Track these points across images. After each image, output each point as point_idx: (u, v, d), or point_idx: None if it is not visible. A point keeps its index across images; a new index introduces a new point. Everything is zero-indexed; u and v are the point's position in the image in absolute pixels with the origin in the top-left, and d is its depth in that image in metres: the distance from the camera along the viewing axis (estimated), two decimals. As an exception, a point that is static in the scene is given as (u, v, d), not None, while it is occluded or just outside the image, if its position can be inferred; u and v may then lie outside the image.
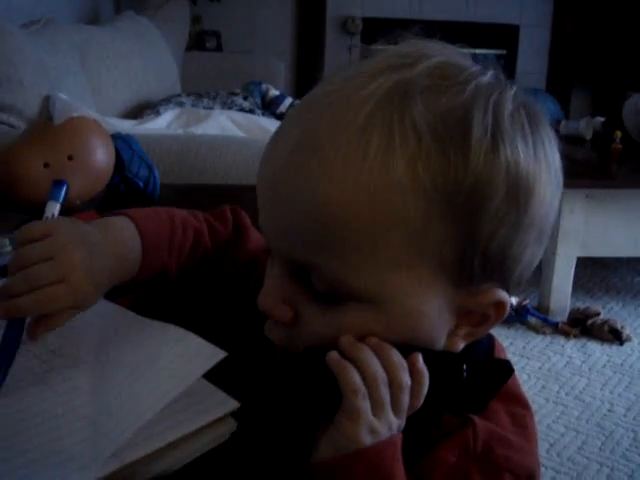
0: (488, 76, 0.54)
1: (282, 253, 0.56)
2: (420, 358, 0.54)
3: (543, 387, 2.16)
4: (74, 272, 0.59)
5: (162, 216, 0.71)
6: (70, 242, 0.61)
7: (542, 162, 0.53)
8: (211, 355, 0.56)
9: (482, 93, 0.52)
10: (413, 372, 0.54)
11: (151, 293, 0.74)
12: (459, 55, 0.56)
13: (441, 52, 0.55)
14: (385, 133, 0.49)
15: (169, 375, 0.56)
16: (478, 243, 0.51)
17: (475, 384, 0.56)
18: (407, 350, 0.54)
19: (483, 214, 0.51)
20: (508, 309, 0.56)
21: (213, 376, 0.59)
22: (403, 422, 0.54)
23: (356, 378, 0.52)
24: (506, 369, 0.58)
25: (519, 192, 0.52)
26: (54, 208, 0.78)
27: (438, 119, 0.50)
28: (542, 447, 1.83)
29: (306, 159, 0.51)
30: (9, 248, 0.93)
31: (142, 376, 0.57)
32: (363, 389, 0.52)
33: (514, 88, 0.54)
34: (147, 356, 0.60)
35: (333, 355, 0.53)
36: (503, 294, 0.55)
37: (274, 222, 0.55)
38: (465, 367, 0.55)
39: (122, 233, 0.66)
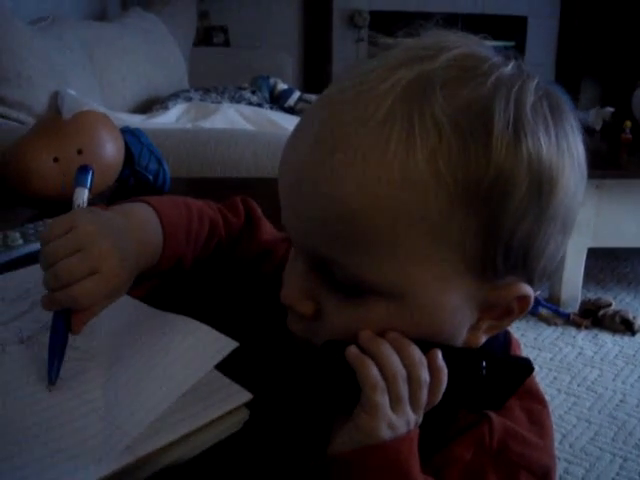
0: (510, 67, 0.53)
1: (305, 249, 0.55)
2: (439, 355, 0.54)
3: (555, 378, 2.16)
4: (106, 261, 0.58)
5: (180, 204, 0.71)
6: (96, 231, 0.59)
7: (565, 153, 0.52)
8: (224, 346, 0.56)
9: (504, 85, 0.51)
10: (432, 369, 0.53)
11: (165, 283, 0.74)
12: (480, 46, 0.55)
13: (462, 43, 0.54)
14: (405, 127, 0.49)
15: (182, 367, 0.56)
16: (501, 236, 0.51)
17: (494, 381, 0.56)
18: (427, 346, 0.54)
19: (506, 207, 0.50)
20: (531, 303, 0.55)
21: (227, 367, 0.59)
22: (420, 418, 0.54)
23: (375, 373, 0.52)
24: (526, 367, 0.57)
25: (542, 184, 0.51)
26: (83, 194, 0.76)
27: (459, 112, 0.49)
28: (555, 438, 1.82)
29: (326, 155, 0.51)
30: (20, 242, 0.93)
31: (155, 368, 0.58)
32: (382, 384, 0.52)
33: (536, 79, 0.54)
34: (160, 348, 0.60)
35: (352, 350, 0.53)
36: (527, 288, 0.55)
37: (296, 217, 0.55)
38: (484, 364, 0.55)
39: (144, 219, 0.66)
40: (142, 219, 0.66)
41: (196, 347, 0.58)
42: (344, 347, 0.53)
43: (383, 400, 0.52)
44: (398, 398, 0.52)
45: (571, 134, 0.54)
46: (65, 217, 0.62)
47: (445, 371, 0.54)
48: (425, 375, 0.53)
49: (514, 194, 0.50)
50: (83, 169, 0.76)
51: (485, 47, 0.55)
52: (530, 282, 0.55)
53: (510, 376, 0.57)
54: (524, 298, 0.55)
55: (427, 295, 0.53)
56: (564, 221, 0.54)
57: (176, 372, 0.56)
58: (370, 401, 0.52)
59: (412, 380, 0.53)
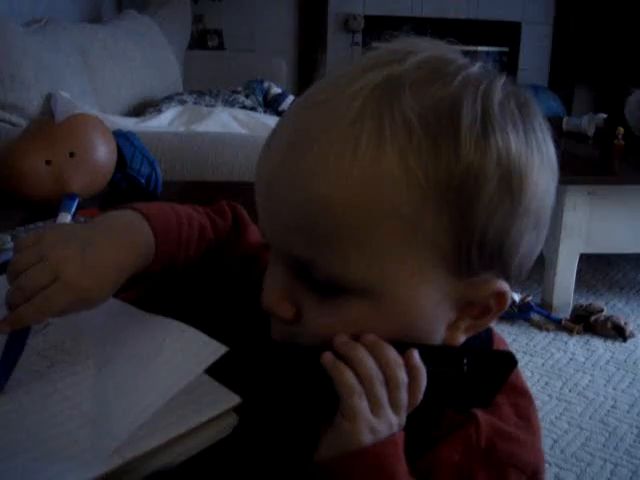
0: (476, 67, 0.54)
1: (281, 250, 0.56)
2: (416, 354, 0.54)
3: (546, 384, 2.16)
4: (65, 268, 0.57)
5: (166, 208, 0.71)
6: (58, 240, 0.59)
7: (534, 149, 0.53)
8: (213, 350, 0.56)
9: (471, 83, 0.52)
10: (409, 368, 0.53)
11: (154, 287, 0.73)
12: (448, 50, 0.56)
13: (430, 48, 0.55)
14: (375, 126, 0.50)
15: (170, 371, 0.56)
16: (473, 232, 0.51)
17: (478, 378, 0.56)
18: (404, 347, 0.54)
19: (477, 203, 0.51)
20: (509, 300, 0.56)
21: (215, 371, 0.59)
22: (404, 420, 0.54)
23: (351, 378, 0.52)
24: (508, 361, 0.57)
25: (512, 179, 0.51)
26: (65, 219, 0.76)
27: (427, 110, 0.50)
28: (546, 443, 1.83)
29: (300, 155, 0.52)
30: (11, 244, 0.93)
31: (143, 372, 0.57)
32: (359, 389, 0.52)
33: (503, 78, 0.55)
34: (149, 352, 0.59)
35: (327, 356, 0.53)
36: (503, 284, 0.55)
37: (272, 219, 0.55)
38: (465, 361, 0.55)
39: (127, 222, 0.65)
40: (124, 223, 0.65)
41: (185, 351, 0.58)
42: (319, 353, 0.53)
43: (361, 404, 0.52)
44: (377, 401, 0.52)
45: (539, 131, 0.55)
46: (32, 232, 0.62)
47: (423, 370, 0.54)
48: (402, 375, 0.53)
49: (484, 189, 0.50)
50: (71, 196, 0.76)
51: (452, 50, 0.57)
52: (506, 279, 0.56)
53: (494, 371, 0.57)
54: (501, 295, 0.55)
55: (403, 292, 0.53)
56: (537, 217, 0.55)
57: (165, 376, 0.56)
58: (348, 406, 0.52)
59: (389, 382, 0.53)
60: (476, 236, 0.52)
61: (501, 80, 0.54)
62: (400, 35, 0.57)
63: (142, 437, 0.52)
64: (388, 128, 0.50)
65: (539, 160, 0.53)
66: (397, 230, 0.50)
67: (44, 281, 0.57)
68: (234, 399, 0.57)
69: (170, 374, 0.56)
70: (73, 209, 0.75)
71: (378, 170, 0.49)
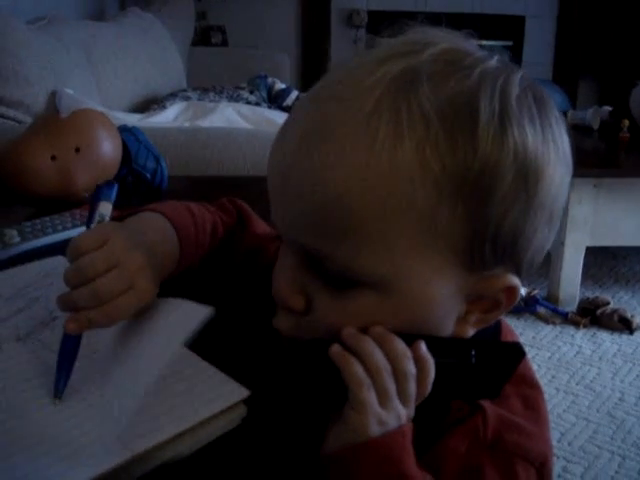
0: (494, 61, 0.54)
1: (294, 241, 0.56)
2: (423, 345, 0.54)
3: (553, 377, 2.16)
4: (141, 277, 0.57)
5: (184, 212, 0.70)
6: (128, 246, 0.57)
7: (550, 144, 0.53)
8: (200, 313, 0.55)
9: (488, 77, 0.52)
10: (417, 360, 0.53)
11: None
12: (465, 41, 0.56)
13: (447, 39, 0.55)
14: (393, 118, 0.49)
15: (162, 342, 0.56)
16: (488, 227, 0.51)
17: (486, 369, 0.56)
18: (412, 338, 0.54)
19: (492, 197, 0.50)
20: (519, 294, 0.56)
21: (223, 363, 0.59)
22: (412, 411, 0.54)
23: (359, 370, 0.52)
24: (517, 352, 0.57)
25: (528, 174, 0.51)
26: (107, 209, 0.74)
27: (445, 104, 0.50)
28: (553, 436, 1.82)
29: (315, 145, 0.51)
30: (17, 239, 0.93)
31: (141, 356, 0.58)
32: (367, 381, 0.52)
33: (520, 72, 0.54)
34: (146, 336, 0.60)
35: (335, 348, 0.53)
36: (514, 279, 0.55)
37: (285, 211, 0.55)
38: (474, 352, 0.55)
39: (163, 231, 0.65)
40: (161, 232, 0.65)
41: (173, 320, 0.58)
42: (328, 346, 0.53)
43: (370, 396, 0.52)
44: (385, 393, 0.52)
45: (555, 125, 0.54)
46: (95, 231, 0.60)
47: (431, 361, 0.54)
48: (410, 367, 0.53)
49: (500, 184, 0.50)
50: (109, 184, 0.74)
51: (469, 43, 0.56)
52: (517, 273, 0.55)
53: (502, 362, 0.56)
54: (512, 289, 0.55)
55: (415, 286, 0.53)
56: (551, 212, 0.55)
57: (156, 349, 0.56)
58: (357, 398, 0.52)
59: (397, 373, 0.53)
60: (490, 231, 0.51)
61: (518, 74, 0.54)
62: (415, 25, 0.57)
63: (151, 430, 0.52)
64: (405, 121, 0.49)
65: (555, 155, 0.53)
66: (412, 223, 0.50)
67: (121, 288, 0.55)
68: (243, 392, 0.57)
69: (162, 344, 0.56)
70: (113, 197, 0.73)
71: (394, 163, 0.49)
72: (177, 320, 0.57)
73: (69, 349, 0.58)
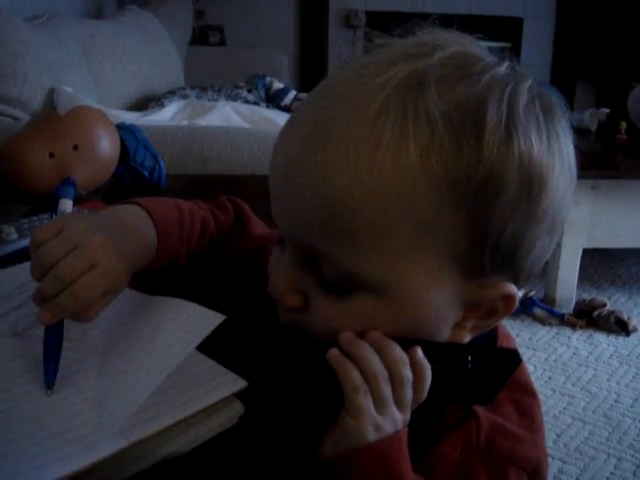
0: (504, 67, 0.53)
1: (293, 240, 0.55)
2: (420, 351, 0.53)
3: (549, 378, 2.16)
4: (103, 253, 0.57)
5: (169, 204, 0.70)
6: (86, 228, 0.58)
7: (556, 155, 0.52)
8: (210, 320, 0.56)
9: (497, 84, 0.51)
10: (413, 365, 0.53)
11: (158, 282, 0.73)
12: (475, 46, 0.55)
13: (457, 42, 0.54)
14: (399, 122, 0.49)
15: (170, 345, 0.56)
16: (489, 235, 0.51)
17: (481, 375, 0.56)
18: (409, 344, 0.54)
19: (495, 206, 0.50)
20: (517, 303, 0.55)
21: (221, 360, 0.59)
22: (408, 416, 0.54)
23: (356, 375, 0.52)
24: (513, 359, 0.57)
25: (532, 184, 0.51)
26: (68, 205, 0.75)
27: (452, 109, 0.49)
28: (549, 438, 1.83)
29: (319, 145, 0.51)
30: (15, 236, 0.93)
31: (145, 351, 0.58)
32: (364, 386, 0.52)
33: (530, 80, 0.54)
34: (148, 331, 0.60)
35: (333, 353, 0.53)
36: (512, 287, 0.55)
37: (287, 210, 0.55)
38: (470, 358, 0.55)
39: (135, 218, 0.65)
40: (133, 218, 0.65)
41: (182, 324, 0.58)
42: (326, 349, 0.53)
43: (366, 402, 0.52)
44: (381, 398, 0.52)
45: (562, 136, 0.54)
46: (52, 221, 0.61)
47: (428, 367, 0.53)
48: (407, 373, 0.53)
49: (504, 192, 0.50)
50: (66, 181, 0.75)
51: (480, 47, 0.55)
52: (516, 282, 0.55)
53: (497, 369, 0.56)
54: (509, 298, 0.55)
55: (413, 290, 0.52)
56: (552, 222, 0.54)
57: (165, 351, 0.56)
58: (353, 404, 0.52)
59: (394, 379, 0.53)
60: (491, 239, 0.51)
61: (527, 82, 0.53)
62: (426, 26, 0.56)
63: (147, 420, 0.52)
64: (411, 125, 0.49)
65: (560, 165, 0.53)
66: (413, 229, 0.50)
67: (83, 267, 0.56)
68: (240, 383, 0.57)
69: (170, 348, 0.56)
70: (72, 194, 0.74)
71: (398, 167, 0.49)
72: (191, 326, 0.57)
73: (52, 340, 0.59)
